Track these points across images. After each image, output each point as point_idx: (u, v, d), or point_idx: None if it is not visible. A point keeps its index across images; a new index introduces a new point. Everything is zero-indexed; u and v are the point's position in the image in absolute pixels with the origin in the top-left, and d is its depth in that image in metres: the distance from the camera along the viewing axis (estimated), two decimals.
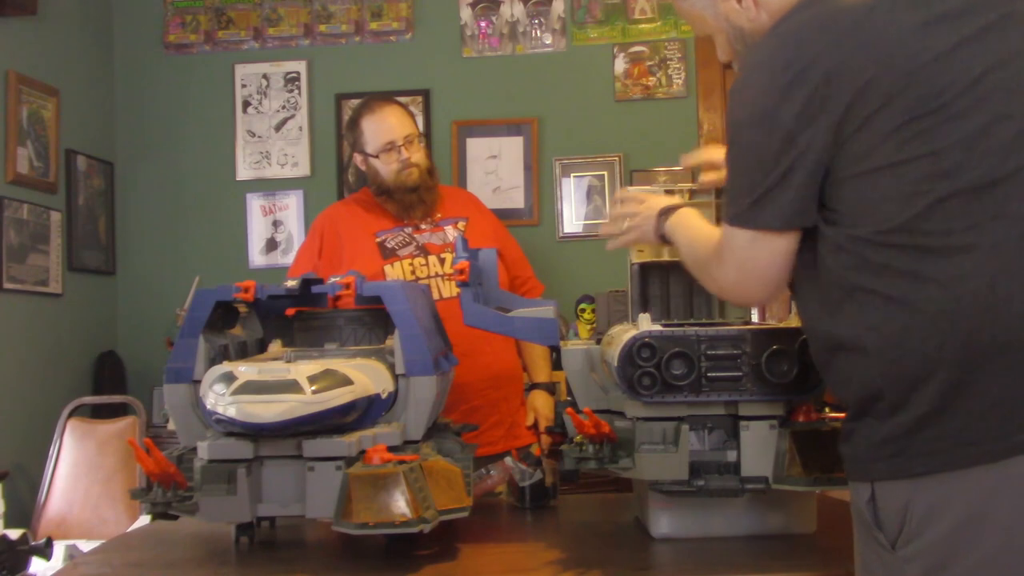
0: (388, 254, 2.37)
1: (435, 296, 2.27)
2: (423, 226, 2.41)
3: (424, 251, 2.38)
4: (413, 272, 2.34)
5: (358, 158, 2.45)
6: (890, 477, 1.13)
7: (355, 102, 3.85)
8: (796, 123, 1.13)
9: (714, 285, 1.31)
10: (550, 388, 2.42)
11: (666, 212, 1.49)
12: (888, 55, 1.11)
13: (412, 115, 2.49)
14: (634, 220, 1.57)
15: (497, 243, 2.37)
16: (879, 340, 1.12)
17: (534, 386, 2.45)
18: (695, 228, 1.41)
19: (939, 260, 1.09)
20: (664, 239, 1.50)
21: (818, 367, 1.28)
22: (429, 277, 2.35)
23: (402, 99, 3.81)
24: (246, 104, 3.93)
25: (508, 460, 2.05)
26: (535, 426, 2.37)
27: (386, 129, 2.37)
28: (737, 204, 1.20)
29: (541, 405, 2.38)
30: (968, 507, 1.07)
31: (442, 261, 2.37)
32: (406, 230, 2.41)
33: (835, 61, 1.12)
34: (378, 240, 2.39)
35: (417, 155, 2.39)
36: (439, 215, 2.45)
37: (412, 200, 2.39)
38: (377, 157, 2.39)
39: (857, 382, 1.16)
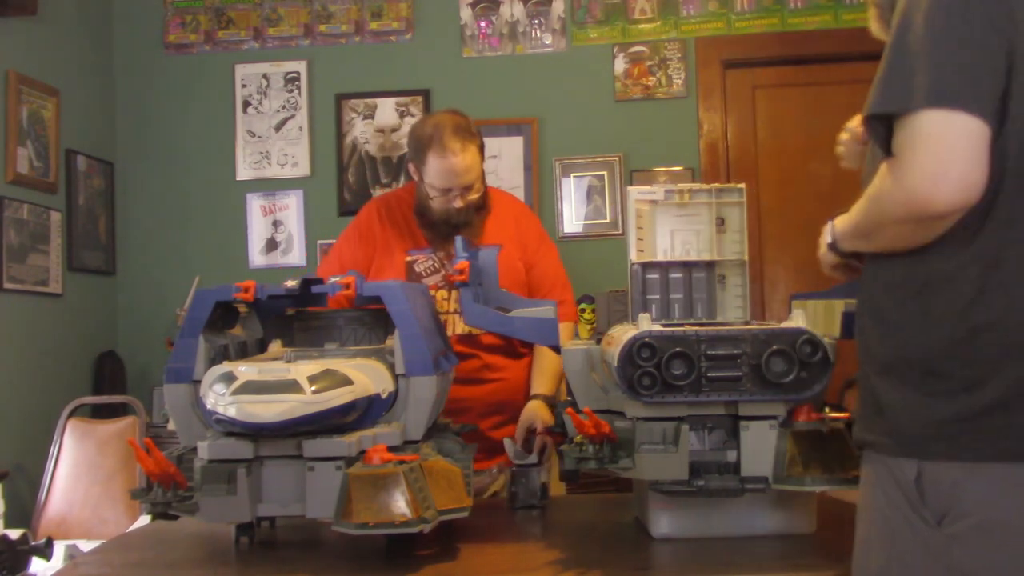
0: (414, 278, 2.29)
1: (448, 331, 2.21)
2: (453, 250, 2.28)
3: (449, 285, 2.29)
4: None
5: (412, 168, 2.33)
6: (948, 458, 1.11)
7: (355, 102, 3.91)
8: (999, 16, 1.09)
9: (900, 194, 1.11)
10: (550, 400, 2.28)
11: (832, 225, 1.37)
12: None
13: (482, 151, 2.32)
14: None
15: (525, 274, 2.33)
16: (979, 315, 1.10)
17: (533, 396, 2.30)
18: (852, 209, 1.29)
19: None
20: (838, 249, 1.35)
21: (869, 320, 1.22)
22: (447, 313, 2.27)
23: (402, 99, 3.88)
24: (246, 104, 3.93)
25: (506, 440, 2.02)
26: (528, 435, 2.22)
27: (450, 176, 2.23)
28: (926, 83, 1.08)
29: (535, 410, 2.24)
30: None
31: None
32: (437, 254, 2.32)
33: None
34: (408, 259, 2.31)
35: (472, 197, 2.28)
36: (476, 240, 2.30)
37: (449, 233, 2.26)
38: (431, 197, 2.28)
39: (922, 349, 1.14)
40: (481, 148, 2.31)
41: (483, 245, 2.27)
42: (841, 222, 1.33)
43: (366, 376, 1.46)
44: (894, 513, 1.16)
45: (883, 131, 1.14)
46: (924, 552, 1.13)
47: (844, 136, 1.52)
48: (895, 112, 1.11)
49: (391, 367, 1.55)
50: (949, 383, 1.11)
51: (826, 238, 1.38)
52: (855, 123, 1.49)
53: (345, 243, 2.41)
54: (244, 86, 3.93)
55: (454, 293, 2.26)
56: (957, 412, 1.10)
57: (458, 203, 2.26)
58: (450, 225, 2.27)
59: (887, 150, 1.13)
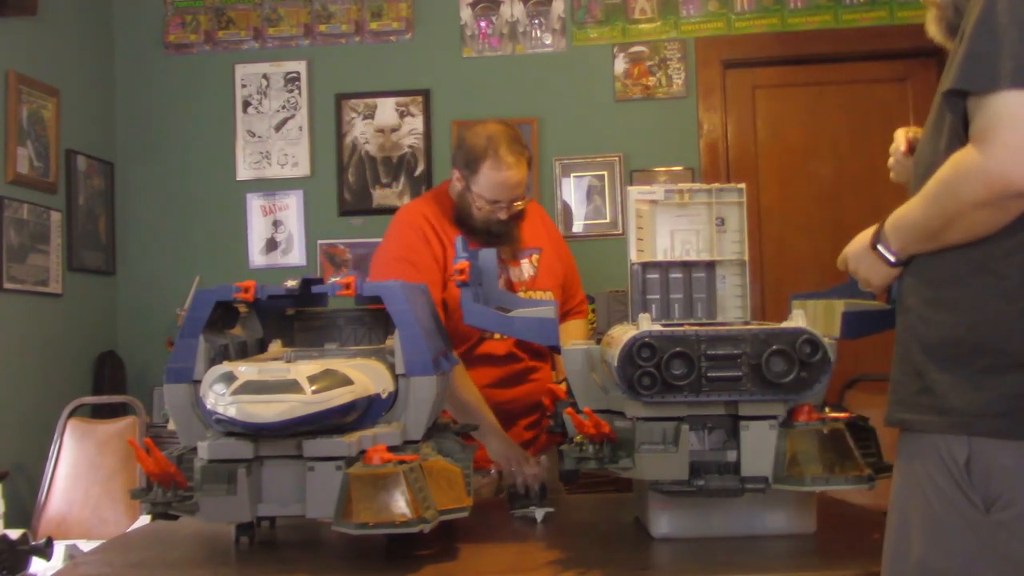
0: None
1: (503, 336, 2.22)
2: (502, 256, 2.26)
3: (508, 286, 2.28)
4: None
5: (458, 175, 2.28)
6: (997, 435, 1.10)
7: (355, 102, 3.91)
8: None
9: (983, 174, 1.11)
10: None
11: (877, 234, 1.32)
12: None
13: (531, 164, 2.28)
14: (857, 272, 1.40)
15: (563, 275, 2.35)
16: None
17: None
18: (904, 206, 1.26)
19: None
20: (891, 256, 1.30)
21: (919, 300, 1.21)
22: None
23: (402, 99, 3.88)
24: (246, 104, 3.93)
25: None
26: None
27: (502, 189, 2.20)
28: (1011, 65, 1.09)
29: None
30: None
31: None
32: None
33: None
34: None
35: (517, 209, 2.26)
36: (516, 246, 2.32)
37: (489, 241, 2.22)
38: (479, 206, 2.24)
39: (976, 326, 1.14)
40: (529, 161, 2.28)
41: (529, 248, 2.34)
42: (896, 238, 1.28)
43: (366, 376, 1.46)
44: (938, 497, 1.15)
45: (963, 108, 1.14)
46: (971, 538, 1.11)
47: (891, 160, 1.52)
48: (979, 90, 1.12)
49: (391, 367, 1.55)
50: (1002, 359, 1.11)
51: (883, 259, 1.32)
52: (899, 140, 1.49)
53: (413, 249, 2.26)
54: (244, 86, 3.93)
55: None
56: (1008, 389, 1.10)
57: (503, 215, 2.24)
58: (491, 235, 2.23)
59: (966, 127, 1.14)
